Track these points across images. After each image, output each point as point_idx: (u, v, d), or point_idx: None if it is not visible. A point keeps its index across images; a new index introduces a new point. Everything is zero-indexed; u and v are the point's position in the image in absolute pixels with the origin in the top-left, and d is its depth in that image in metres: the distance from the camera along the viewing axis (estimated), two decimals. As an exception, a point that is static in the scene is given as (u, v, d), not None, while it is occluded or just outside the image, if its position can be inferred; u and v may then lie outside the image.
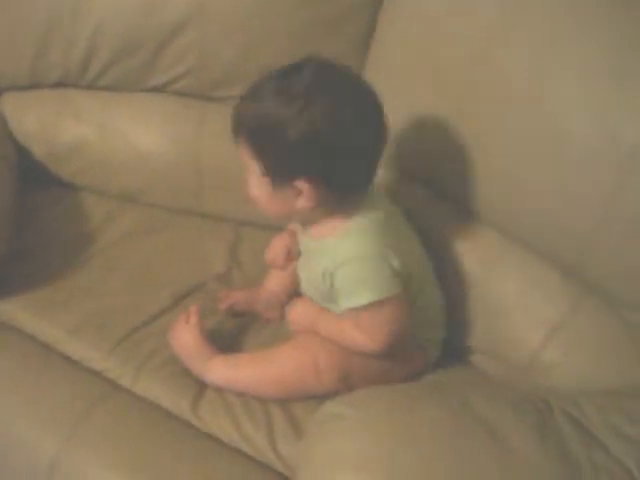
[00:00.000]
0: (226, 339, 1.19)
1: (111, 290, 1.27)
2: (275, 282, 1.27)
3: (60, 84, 1.42)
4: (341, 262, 1.05)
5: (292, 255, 1.19)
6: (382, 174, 1.21)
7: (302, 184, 1.02)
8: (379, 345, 1.08)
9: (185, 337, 1.14)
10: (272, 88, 1.02)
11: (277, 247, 1.20)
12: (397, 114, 1.14)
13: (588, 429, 0.94)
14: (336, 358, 1.10)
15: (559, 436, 0.93)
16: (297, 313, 1.17)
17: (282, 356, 1.12)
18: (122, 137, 1.43)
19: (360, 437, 0.88)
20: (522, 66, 1.10)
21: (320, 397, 1.10)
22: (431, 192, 1.23)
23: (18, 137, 1.45)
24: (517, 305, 1.16)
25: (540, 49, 1.08)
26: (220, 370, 1.12)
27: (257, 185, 1.06)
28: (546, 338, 1.14)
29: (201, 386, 1.14)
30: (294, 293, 1.27)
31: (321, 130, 0.99)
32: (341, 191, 1.04)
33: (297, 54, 1.31)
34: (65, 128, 1.44)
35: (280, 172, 1.03)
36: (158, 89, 1.41)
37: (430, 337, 1.18)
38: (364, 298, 1.05)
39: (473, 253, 1.20)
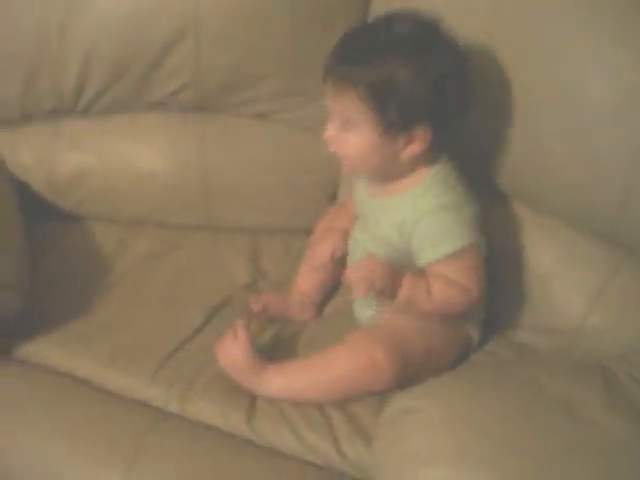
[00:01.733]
0: (269, 348, 1.16)
1: (138, 317, 1.24)
2: (306, 281, 1.25)
3: (53, 112, 1.38)
4: (425, 211, 1.08)
5: (337, 257, 1.18)
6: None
7: (421, 129, 1.06)
8: (475, 294, 1.09)
9: (235, 353, 1.11)
10: (380, 44, 1.06)
11: (324, 247, 1.20)
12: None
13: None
14: (393, 351, 1.08)
15: (629, 399, 0.92)
16: (373, 269, 1.06)
17: (337, 358, 1.10)
18: (124, 160, 1.39)
19: (438, 430, 0.87)
20: (539, 25, 1.08)
21: (378, 393, 1.08)
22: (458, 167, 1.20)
23: (15, 172, 1.40)
24: (556, 274, 1.15)
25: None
26: (276, 380, 1.10)
27: (359, 140, 1.08)
28: (590, 304, 1.13)
29: (252, 399, 1.11)
30: (326, 293, 1.27)
31: (443, 81, 1.05)
32: (447, 134, 1.09)
33: (295, 56, 1.33)
34: (63, 158, 1.40)
35: (401, 120, 1.06)
36: (155, 106, 1.37)
37: (474, 316, 1.17)
38: (450, 247, 1.07)
39: (505, 227, 1.18)
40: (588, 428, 0.87)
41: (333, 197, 1.40)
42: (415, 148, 1.08)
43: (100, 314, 1.23)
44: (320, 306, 1.27)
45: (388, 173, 1.12)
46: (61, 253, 1.35)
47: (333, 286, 1.28)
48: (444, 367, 1.11)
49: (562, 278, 1.15)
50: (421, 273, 1.09)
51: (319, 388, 1.10)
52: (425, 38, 1.07)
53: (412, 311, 1.10)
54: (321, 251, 1.21)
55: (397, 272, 1.08)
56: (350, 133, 1.08)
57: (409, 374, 1.09)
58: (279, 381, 1.10)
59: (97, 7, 1.30)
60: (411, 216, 1.09)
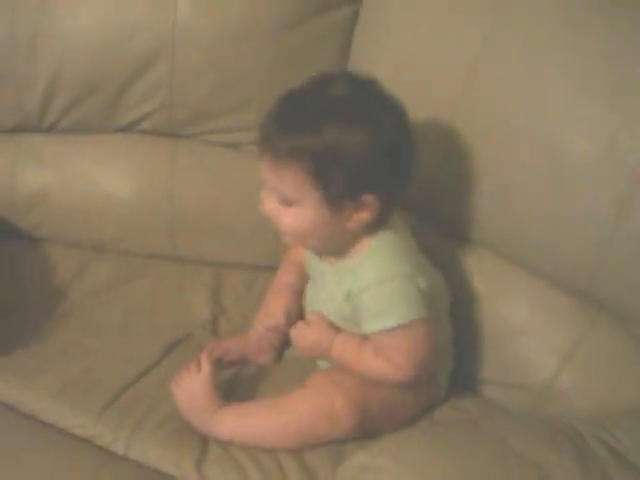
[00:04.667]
0: (225, 390, 1.10)
1: (92, 348, 1.18)
2: (265, 324, 1.20)
3: (17, 129, 1.34)
4: (367, 283, 1.02)
5: (292, 317, 1.16)
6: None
7: (369, 198, 1.00)
8: (406, 373, 1.04)
9: (194, 387, 1.05)
10: (323, 111, 0.99)
11: (276, 311, 1.17)
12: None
13: (623, 455, 0.90)
14: (353, 399, 1.04)
15: (600, 466, 0.88)
16: (307, 336, 1.09)
17: (295, 402, 1.05)
18: (88, 182, 1.35)
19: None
20: (515, 80, 1.06)
21: (333, 442, 1.04)
22: (428, 219, 1.18)
23: (-29, 189, 1.35)
24: (528, 331, 1.12)
25: (532, 60, 1.05)
26: (229, 421, 1.05)
27: (302, 216, 1.02)
28: (561, 362, 1.10)
29: (204, 442, 1.06)
30: (286, 335, 1.21)
31: (391, 144, 1.00)
32: (392, 202, 1.04)
33: (273, 88, 1.26)
34: (24, 176, 1.35)
35: (349, 190, 1.00)
36: (125, 129, 1.33)
37: (441, 368, 1.13)
38: (391, 321, 1.01)
39: (477, 279, 1.15)
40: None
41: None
42: (364, 216, 1.01)
43: (51, 343, 1.18)
44: (280, 348, 1.22)
45: (334, 244, 1.06)
46: (14, 275, 1.29)
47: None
48: (406, 420, 1.08)
49: (533, 333, 1.12)
50: (359, 336, 1.07)
51: (275, 432, 1.05)
52: (368, 100, 1.00)
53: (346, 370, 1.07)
54: (273, 311, 1.18)
55: (335, 334, 1.07)
56: (291, 209, 1.02)
57: (368, 425, 1.05)
58: (233, 422, 1.05)
59: (68, 25, 1.27)
60: (355, 286, 1.03)
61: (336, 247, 1.06)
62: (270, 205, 1.04)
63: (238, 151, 1.34)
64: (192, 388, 1.06)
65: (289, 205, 1.02)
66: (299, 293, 1.19)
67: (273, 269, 1.28)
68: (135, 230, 1.35)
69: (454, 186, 1.13)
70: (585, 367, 1.09)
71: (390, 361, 1.04)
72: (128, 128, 1.33)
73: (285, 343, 1.21)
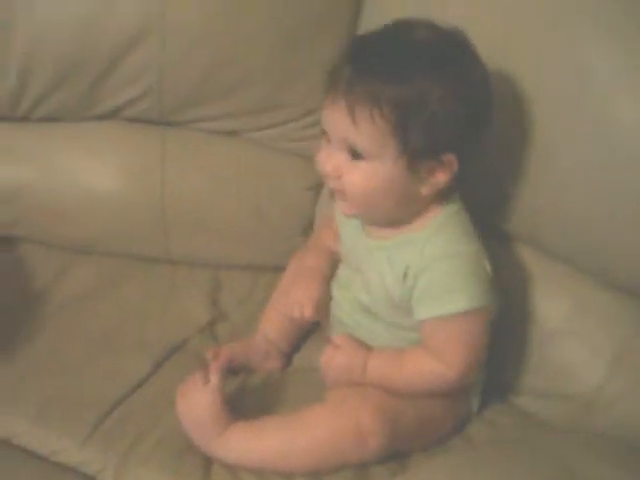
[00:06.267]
0: (230, 401, 0.97)
1: (74, 362, 1.06)
2: (273, 327, 1.09)
3: (-12, 119, 1.21)
4: (432, 260, 0.92)
5: (321, 305, 1.02)
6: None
7: (450, 157, 0.91)
8: (458, 372, 0.93)
9: (201, 401, 0.93)
10: (408, 57, 0.90)
11: (301, 296, 1.02)
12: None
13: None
14: (383, 415, 0.92)
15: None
16: (338, 361, 0.97)
17: (316, 419, 0.93)
18: (68, 176, 1.22)
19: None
20: (560, 46, 0.95)
21: (358, 464, 0.93)
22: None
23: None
24: (569, 331, 1.00)
25: (578, 22, 0.94)
26: (240, 441, 0.93)
27: (375, 172, 0.91)
28: (609, 368, 0.98)
29: (206, 467, 0.94)
30: (295, 339, 1.11)
31: (477, 98, 0.92)
32: (467, 168, 0.93)
33: (273, 68, 1.18)
34: (-3, 170, 1.23)
35: (428, 147, 0.90)
36: (108, 117, 1.21)
37: (477, 380, 1.01)
38: (458, 304, 0.91)
39: (514, 274, 1.03)
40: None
41: (307, 230, 1.25)
42: (440, 179, 0.92)
43: (28, 357, 1.05)
44: (289, 355, 1.10)
45: (400, 212, 0.96)
46: (-13, 280, 1.17)
47: (304, 333, 1.12)
48: (437, 438, 0.97)
49: (575, 337, 1.00)
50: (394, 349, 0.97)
51: (292, 454, 0.93)
52: (455, 49, 0.92)
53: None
54: (292, 301, 1.03)
55: (369, 351, 0.97)
56: (363, 163, 0.91)
57: (397, 444, 0.94)
58: (243, 443, 0.94)
59: (43, 2, 1.14)
60: (417, 263, 0.93)
61: (401, 216, 0.96)
62: (335, 160, 0.92)
63: (234, 139, 1.22)
64: (199, 401, 0.94)
65: (358, 162, 0.91)
66: (328, 282, 1.06)
67: (277, 269, 1.17)
68: (121, 229, 1.23)
69: (491, 171, 1.01)
70: (635, 375, 0.98)
71: (440, 357, 0.93)
72: (112, 116, 1.21)
73: (294, 347, 1.10)
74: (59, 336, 1.09)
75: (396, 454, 0.94)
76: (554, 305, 1.02)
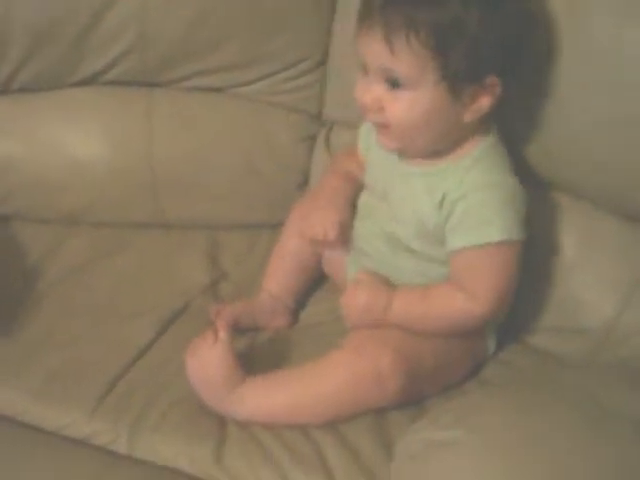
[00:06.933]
0: (244, 361, 0.95)
1: (75, 334, 1.03)
2: (277, 281, 1.06)
3: (-36, 93, 1.17)
4: (472, 188, 0.90)
5: (346, 232, 0.98)
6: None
7: (492, 80, 0.89)
8: (488, 306, 0.91)
9: (212, 359, 0.91)
10: None
11: (327, 222, 0.98)
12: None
13: None
14: (401, 356, 0.90)
15: None
16: (360, 299, 0.94)
17: (333, 366, 0.91)
18: (54, 147, 1.18)
19: (485, 469, 0.66)
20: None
21: (371, 411, 0.91)
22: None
23: None
24: (582, 263, 0.97)
25: None
26: (255, 396, 0.91)
27: (418, 100, 0.88)
28: (624, 298, 0.95)
29: (221, 427, 0.91)
30: (300, 294, 1.08)
31: (514, 18, 0.89)
32: (510, 91, 0.90)
33: (257, 18, 1.13)
34: (-21, 146, 1.19)
35: (470, 70, 0.87)
36: (90, 81, 1.17)
37: (495, 321, 0.98)
38: (493, 234, 0.89)
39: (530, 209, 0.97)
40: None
41: (303, 185, 1.21)
42: (483, 104, 0.89)
43: (28, 332, 1.02)
44: (295, 310, 1.07)
45: (444, 141, 0.93)
46: (-21, 259, 1.13)
47: (310, 287, 1.09)
48: (453, 381, 0.95)
49: (589, 268, 0.97)
50: (415, 288, 0.95)
51: (310, 405, 0.91)
52: None
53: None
54: (313, 223, 0.99)
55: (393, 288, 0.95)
56: (403, 93, 0.88)
57: (414, 388, 0.91)
58: (259, 398, 0.91)
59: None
60: (455, 191, 0.90)
61: (444, 146, 0.93)
62: (374, 92, 0.89)
63: (223, 96, 1.18)
64: (209, 359, 0.91)
65: (400, 91, 0.88)
66: (351, 204, 1.02)
67: (274, 227, 1.14)
68: (112, 197, 1.19)
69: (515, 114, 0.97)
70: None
71: (470, 291, 0.91)
72: (94, 80, 1.17)
73: (300, 303, 1.07)
74: (58, 310, 1.06)
75: (414, 400, 0.92)
76: (567, 239, 0.99)
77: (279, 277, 1.06)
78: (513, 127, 0.97)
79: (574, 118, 0.93)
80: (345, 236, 0.99)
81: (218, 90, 1.18)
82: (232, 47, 1.13)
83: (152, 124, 1.19)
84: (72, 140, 1.19)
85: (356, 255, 1.01)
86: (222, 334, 0.91)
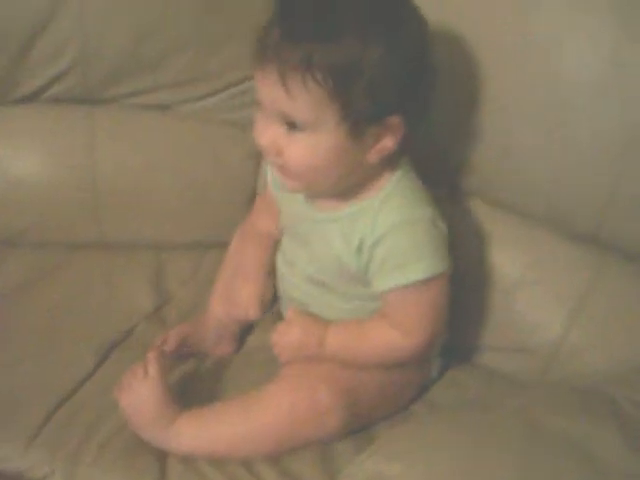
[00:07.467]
0: (180, 391, 0.93)
1: (12, 361, 0.99)
2: (220, 310, 1.03)
3: None
4: (387, 229, 0.87)
5: (266, 301, 0.98)
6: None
7: (394, 120, 0.85)
8: (419, 340, 0.89)
9: (143, 395, 0.88)
10: (340, 15, 0.82)
11: (248, 300, 0.97)
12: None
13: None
14: (340, 389, 0.88)
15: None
16: (292, 337, 0.92)
17: (271, 399, 0.89)
18: (-9, 165, 1.15)
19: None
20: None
21: (319, 442, 0.89)
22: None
23: None
24: (528, 283, 0.97)
25: None
26: (191, 430, 0.88)
27: (317, 144, 0.84)
28: (570, 317, 0.96)
29: (161, 461, 0.89)
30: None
31: (416, 55, 0.86)
32: (414, 129, 0.88)
33: (202, 34, 1.11)
34: None
35: (372, 110, 0.84)
36: (30, 98, 1.14)
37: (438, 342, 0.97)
38: (417, 273, 0.87)
39: (464, 229, 0.99)
40: (599, 467, 0.69)
41: (250, 203, 1.19)
42: (387, 145, 0.86)
43: (-40, 360, 0.98)
44: (240, 336, 1.05)
45: (347, 183, 0.90)
46: None
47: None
48: (400, 406, 0.94)
49: (535, 288, 0.97)
50: (348, 324, 0.93)
51: (248, 438, 0.88)
52: (390, 6, 0.85)
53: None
54: (235, 304, 0.99)
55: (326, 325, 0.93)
56: (302, 135, 0.84)
57: (358, 418, 0.90)
58: (195, 431, 0.89)
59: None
60: (371, 236, 0.88)
61: (349, 186, 0.90)
62: (271, 133, 0.85)
63: (167, 114, 1.16)
64: (139, 395, 0.89)
65: (297, 134, 0.84)
66: (270, 274, 1.01)
67: (221, 246, 1.10)
68: (53, 217, 1.16)
69: (441, 127, 0.97)
70: (596, 320, 0.96)
71: (401, 328, 0.89)
72: (34, 97, 1.14)
73: (247, 328, 1.05)
74: (-7, 335, 1.03)
75: (361, 428, 0.90)
76: (512, 258, 0.99)
77: (223, 302, 1.02)
78: (442, 143, 0.97)
79: (509, 134, 0.93)
80: (267, 306, 0.99)
81: (162, 108, 1.15)
82: (173, 65, 1.11)
83: (94, 142, 1.16)
84: (12, 160, 1.16)
85: (285, 296, 1.00)
86: (152, 369, 0.89)
